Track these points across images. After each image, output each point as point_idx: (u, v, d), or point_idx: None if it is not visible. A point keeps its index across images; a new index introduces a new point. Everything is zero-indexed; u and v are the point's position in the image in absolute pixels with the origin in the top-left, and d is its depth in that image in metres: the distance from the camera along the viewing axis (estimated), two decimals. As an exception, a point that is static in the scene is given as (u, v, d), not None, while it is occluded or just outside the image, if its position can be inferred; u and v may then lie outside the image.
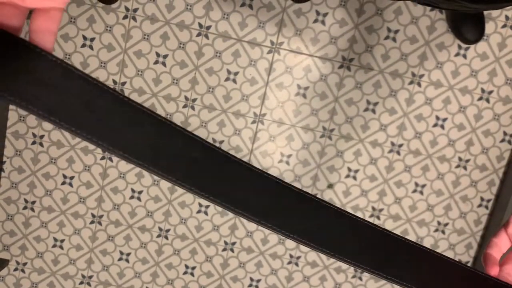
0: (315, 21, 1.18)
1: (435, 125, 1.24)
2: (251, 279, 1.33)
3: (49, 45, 0.28)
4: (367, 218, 1.30)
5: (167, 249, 1.31)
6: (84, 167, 1.25)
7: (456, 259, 1.36)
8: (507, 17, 1.18)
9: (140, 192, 1.27)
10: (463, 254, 1.33)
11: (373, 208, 1.29)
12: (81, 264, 1.32)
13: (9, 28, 0.28)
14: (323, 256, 1.32)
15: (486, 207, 1.29)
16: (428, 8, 1.18)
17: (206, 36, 1.18)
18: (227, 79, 1.20)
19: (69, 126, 0.27)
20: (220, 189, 0.31)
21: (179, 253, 1.31)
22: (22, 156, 1.25)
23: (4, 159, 1.25)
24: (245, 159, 1.26)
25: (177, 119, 1.23)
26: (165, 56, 1.19)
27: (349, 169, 1.26)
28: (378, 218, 1.29)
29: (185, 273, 1.33)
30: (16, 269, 1.33)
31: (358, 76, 1.21)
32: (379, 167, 1.26)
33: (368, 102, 1.22)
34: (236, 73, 1.20)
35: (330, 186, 1.27)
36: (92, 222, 1.29)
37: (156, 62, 1.19)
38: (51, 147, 1.24)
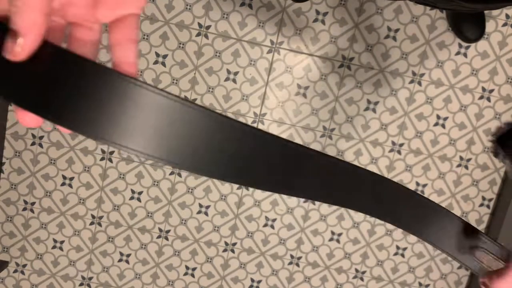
0: (315, 20, 1.17)
1: (436, 124, 1.23)
2: (252, 280, 1.32)
3: (133, 56, 0.27)
4: (367, 219, 1.29)
5: (168, 250, 1.30)
6: (84, 168, 1.25)
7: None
8: (507, 16, 1.18)
9: (140, 193, 1.26)
10: (465, 254, 1.32)
11: (374, 208, 1.28)
12: (81, 265, 1.32)
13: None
14: (324, 257, 1.31)
15: (488, 206, 1.29)
16: (428, 7, 1.17)
17: (206, 36, 1.18)
18: (227, 79, 1.20)
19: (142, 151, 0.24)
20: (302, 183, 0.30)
21: (180, 254, 1.31)
22: (22, 157, 1.24)
23: (4, 160, 1.25)
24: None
25: (177, 119, 1.22)
26: (164, 56, 1.18)
27: (350, 169, 1.25)
28: (379, 218, 1.29)
29: (185, 274, 1.32)
30: (15, 271, 1.32)
31: (358, 75, 1.20)
32: (380, 166, 1.25)
33: (369, 102, 1.22)
34: (236, 73, 1.20)
35: (331, 186, 1.26)
36: (92, 223, 1.29)
37: (155, 62, 1.19)
38: (51, 148, 1.24)
